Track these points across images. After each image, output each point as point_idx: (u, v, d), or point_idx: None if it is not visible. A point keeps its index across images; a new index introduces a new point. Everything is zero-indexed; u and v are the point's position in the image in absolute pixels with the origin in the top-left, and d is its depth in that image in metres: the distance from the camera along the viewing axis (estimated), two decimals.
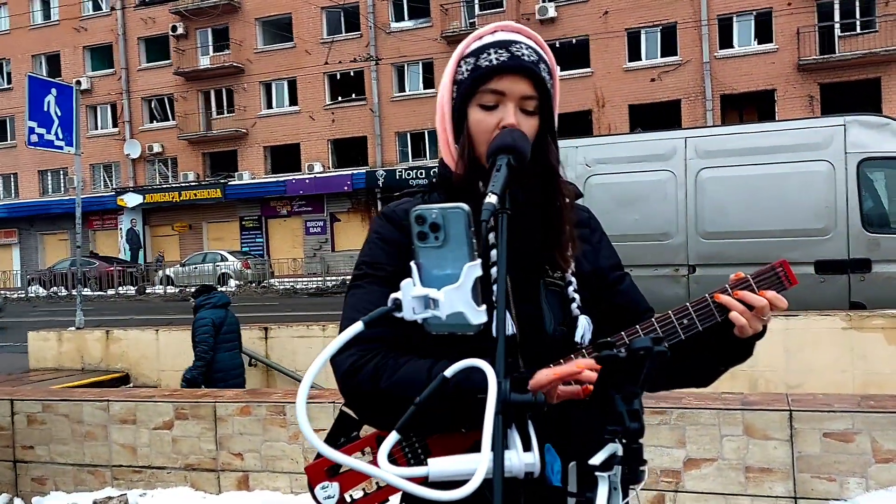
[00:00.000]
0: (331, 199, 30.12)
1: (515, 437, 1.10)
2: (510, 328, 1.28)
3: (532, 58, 1.32)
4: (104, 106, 34.09)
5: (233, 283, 26.75)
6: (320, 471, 1.32)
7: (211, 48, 32.13)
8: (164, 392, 5.15)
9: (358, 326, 1.01)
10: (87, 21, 34.03)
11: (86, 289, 28.04)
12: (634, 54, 26.52)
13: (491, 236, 1.27)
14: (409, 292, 1.00)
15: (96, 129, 34.17)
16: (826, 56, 24.02)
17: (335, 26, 30.28)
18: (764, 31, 25.12)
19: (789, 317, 6.58)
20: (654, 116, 24.60)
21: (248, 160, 31.59)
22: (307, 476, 1.34)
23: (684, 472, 3.50)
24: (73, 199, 10.84)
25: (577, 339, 1.31)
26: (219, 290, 7.80)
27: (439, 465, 1.12)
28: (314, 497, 1.33)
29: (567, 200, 1.40)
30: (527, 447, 1.11)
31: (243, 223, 32.06)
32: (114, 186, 33.69)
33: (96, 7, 34.24)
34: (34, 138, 9.79)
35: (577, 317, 1.32)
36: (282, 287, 25.64)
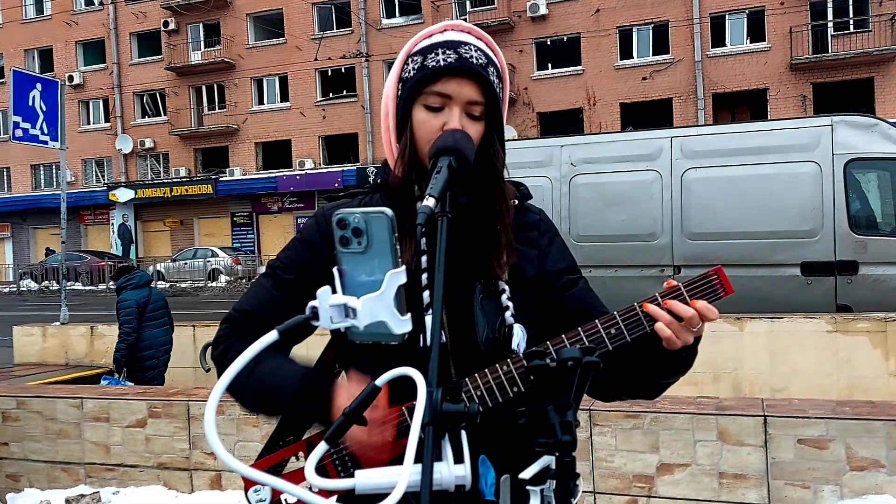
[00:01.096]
0: (322, 195, 29.90)
1: (447, 449, 1.06)
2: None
3: (481, 60, 1.27)
4: (96, 101, 33.94)
5: (223, 278, 26.68)
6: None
7: (202, 43, 31.99)
8: (137, 390, 5.09)
9: (272, 336, 0.97)
10: (78, 16, 33.86)
11: (77, 283, 28.00)
12: (626, 52, 26.47)
13: (423, 241, 1.23)
14: (327, 300, 0.95)
15: (88, 123, 34.04)
16: (819, 55, 24.00)
17: (326, 22, 30.15)
18: (756, 30, 25.12)
19: (774, 319, 6.55)
20: (646, 115, 24.57)
21: (240, 156, 31.47)
22: (242, 480, 1.31)
23: (657, 477, 3.45)
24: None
25: (514, 346, 1.26)
26: (138, 270, 7.85)
27: (367, 478, 1.08)
28: (247, 500, 1.29)
29: (514, 202, 1.36)
30: (459, 459, 1.06)
31: (234, 219, 31.95)
32: (105, 181, 33.55)
33: (88, 2, 34.09)
34: (19, 133, 9.74)
35: (512, 325, 1.27)
36: None
